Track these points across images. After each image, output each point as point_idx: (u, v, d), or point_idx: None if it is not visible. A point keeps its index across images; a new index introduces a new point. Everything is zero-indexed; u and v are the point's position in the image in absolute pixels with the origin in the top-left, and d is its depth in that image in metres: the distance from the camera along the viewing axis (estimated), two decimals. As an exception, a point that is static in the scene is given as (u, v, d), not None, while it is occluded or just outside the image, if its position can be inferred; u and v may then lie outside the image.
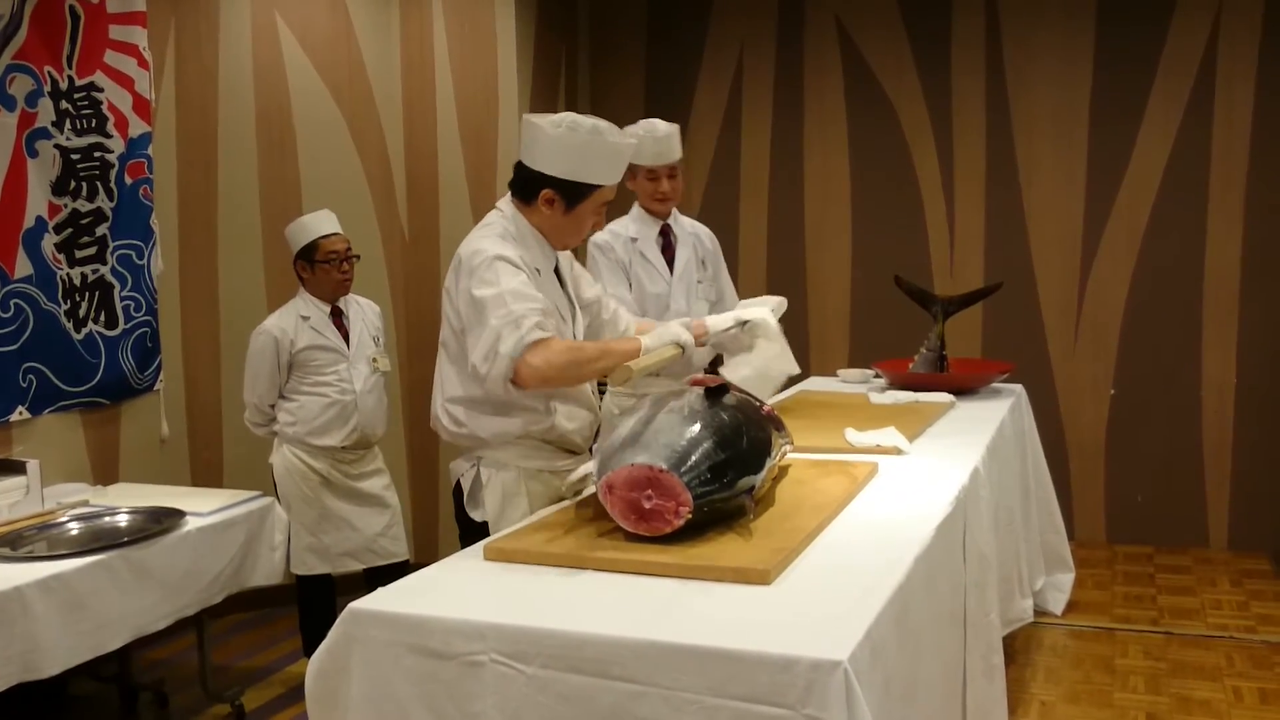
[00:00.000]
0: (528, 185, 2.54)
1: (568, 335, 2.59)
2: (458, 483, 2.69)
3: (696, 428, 2.21)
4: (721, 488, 2.13)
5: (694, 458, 2.13)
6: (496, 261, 2.43)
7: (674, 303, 3.72)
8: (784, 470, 2.68)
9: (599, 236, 3.66)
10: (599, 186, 2.54)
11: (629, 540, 2.14)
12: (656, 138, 3.63)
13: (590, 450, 2.68)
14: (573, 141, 2.48)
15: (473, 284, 2.42)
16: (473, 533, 2.58)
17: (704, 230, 4.00)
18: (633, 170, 3.63)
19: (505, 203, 2.61)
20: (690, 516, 2.09)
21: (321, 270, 3.97)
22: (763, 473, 2.30)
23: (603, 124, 2.52)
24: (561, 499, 2.58)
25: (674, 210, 3.85)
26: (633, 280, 3.71)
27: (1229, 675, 3.91)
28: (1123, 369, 5.46)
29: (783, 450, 2.54)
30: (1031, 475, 4.03)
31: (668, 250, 3.79)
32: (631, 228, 3.79)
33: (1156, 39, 5.29)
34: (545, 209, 2.53)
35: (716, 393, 2.40)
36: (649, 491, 2.10)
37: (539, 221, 2.56)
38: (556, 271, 2.66)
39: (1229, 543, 5.35)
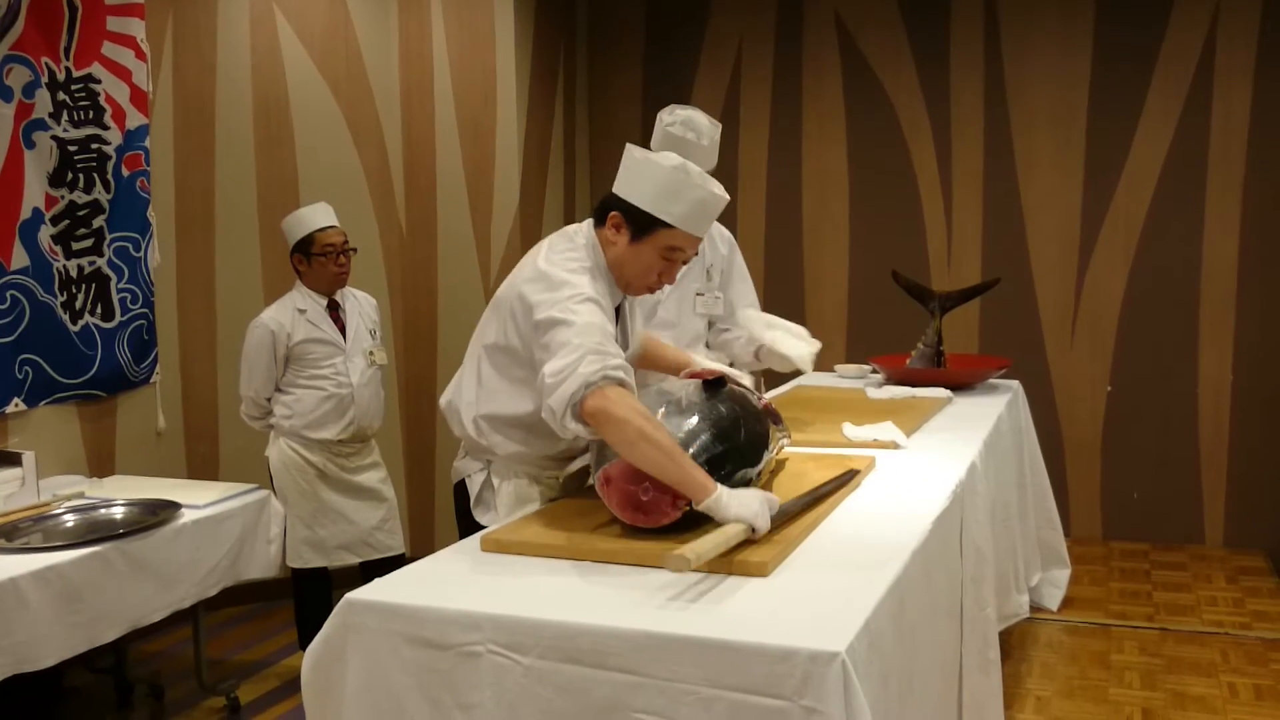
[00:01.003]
0: (602, 207, 2.43)
1: None
2: (462, 483, 2.61)
3: (694, 420, 2.21)
4: (718, 480, 2.13)
5: (691, 450, 2.14)
6: (590, 302, 2.27)
7: (663, 311, 3.32)
8: (781, 464, 2.68)
9: None
10: (669, 226, 2.34)
11: (626, 532, 2.13)
12: (700, 145, 3.13)
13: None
14: (654, 171, 2.35)
15: (557, 310, 2.25)
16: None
17: (721, 232, 3.50)
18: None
19: (587, 227, 2.47)
20: (688, 509, 2.09)
21: (318, 263, 3.97)
22: (760, 465, 2.30)
23: (696, 169, 2.37)
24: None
25: None
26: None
27: (1224, 671, 3.91)
28: (1119, 366, 5.47)
29: (780, 444, 2.54)
30: (1028, 471, 4.03)
31: None
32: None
33: (1155, 35, 5.29)
34: (611, 234, 2.38)
35: (714, 385, 2.40)
36: (646, 484, 2.10)
37: (606, 251, 2.41)
38: (618, 313, 2.52)
39: (1225, 540, 5.36)
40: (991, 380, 4.20)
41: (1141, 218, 5.39)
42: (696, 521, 2.13)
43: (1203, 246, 5.31)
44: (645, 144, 3.12)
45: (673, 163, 2.35)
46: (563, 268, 2.34)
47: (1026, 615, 3.76)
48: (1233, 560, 5.16)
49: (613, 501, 2.15)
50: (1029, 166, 5.54)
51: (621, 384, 2.16)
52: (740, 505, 2.05)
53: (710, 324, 3.49)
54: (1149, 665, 3.98)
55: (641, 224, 2.36)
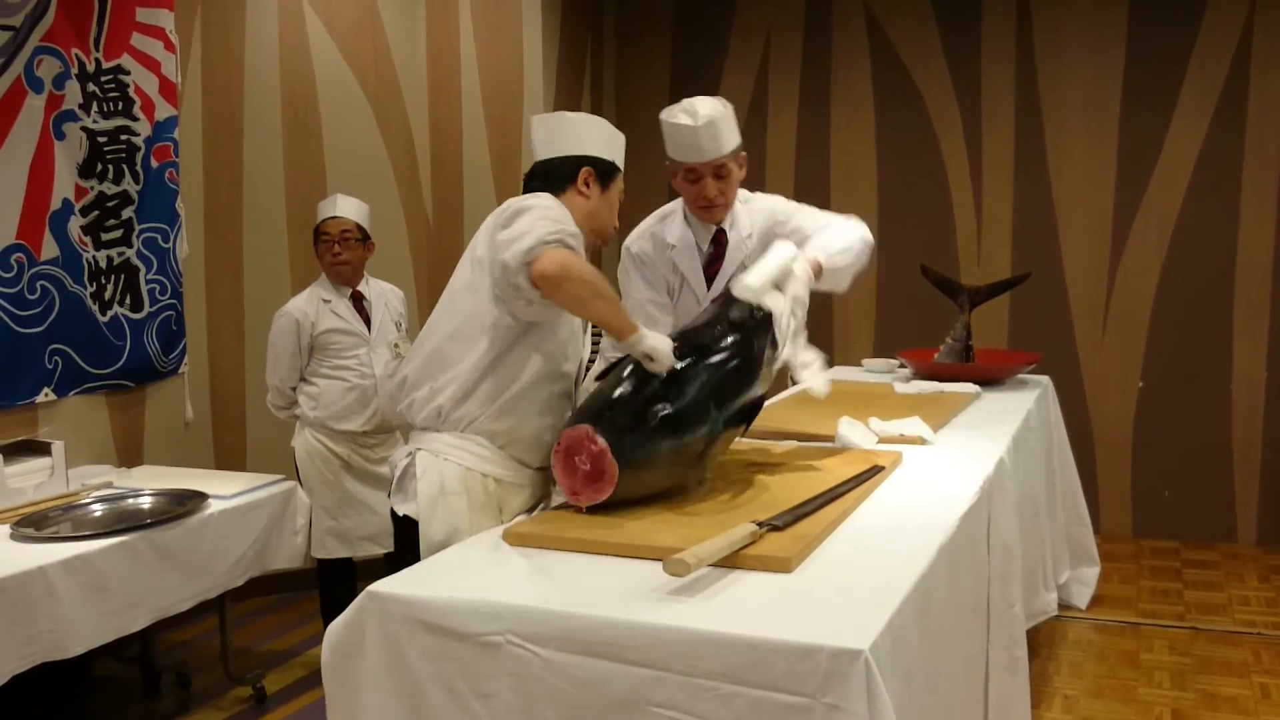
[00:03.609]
0: (559, 173, 2.47)
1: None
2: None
3: (624, 385, 2.29)
4: (653, 432, 2.21)
5: (606, 411, 2.23)
6: (559, 208, 2.35)
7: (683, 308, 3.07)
8: (804, 458, 2.67)
9: (633, 244, 3.12)
10: (620, 170, 2.57)
11: (649, 527, 2.12)
12: (692, 127, 2.85)
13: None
14: (596, 125, 2.54)
15: (530, 201, 2.33)
16: (397, 529, 2.39)
17: (765, 204, 3.10)
18: (671, 166, 3.00)
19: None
20: (613, 462, 2.14)
21: (319, 252, 4.00)
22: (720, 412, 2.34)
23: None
24: (499, 512, 2.39)
25: (733, 212, 3.05)
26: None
27: (1256, 672, 3.86)
28: (1151, 362, 5.41)
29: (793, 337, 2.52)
30: (1057, 468, 3.99)
31: (714, 261, 3.05)
32: (671, 231, 3.06)
33: (1189, 30, 5.22)
34: (583, 190, 2.48)
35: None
36: (580, 456, 2.16)
37: (577, 207, 2.44)
38: None
39: (1257, 539, 5.29)
40: (1021, 376, 4.16)
41: (1175, 213, 5.32)
42: (704, 507, 2.13)
43: (1237, 242, 5.24)
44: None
45: (601, 118, 2.57)
46: (536, 196, 2.40)
47: (1055, 613, 3.73)
48: (1265, 559, 5.09)
49: (566, 487, 2.21)
50: (1060, 160, 5.49)
51: (571, 249, 2.25)
52: (654, 338, 2.29)
53: None
54: (1179, 665, 3.93)
55: (606, 173, 2.53)
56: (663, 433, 2.22)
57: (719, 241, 3.05)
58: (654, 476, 2.25)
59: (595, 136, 2.52)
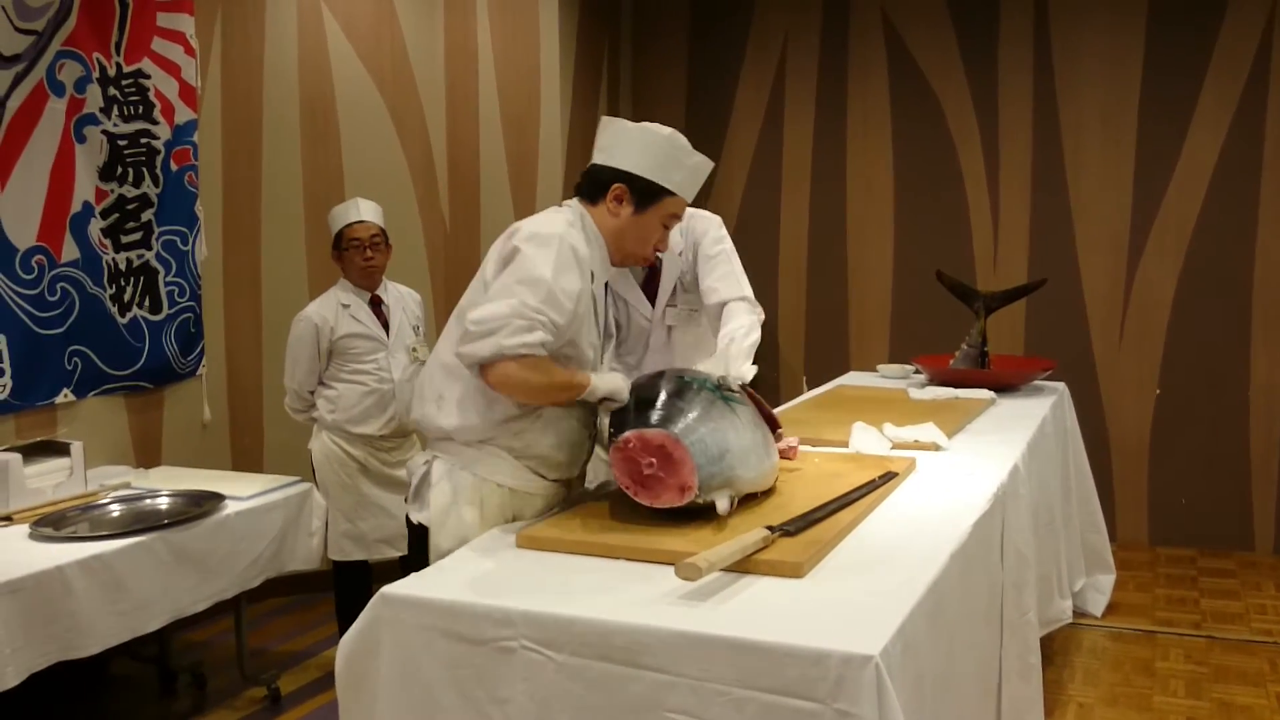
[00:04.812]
0: (597, 182, 2.40)
1: (586, 365, 2.39)
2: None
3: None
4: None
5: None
6: (566, 247, 2.25)
7: (654, 336, 3.25)
8: (819, 463, 2.67)
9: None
10: (671, 194, 2.41)
11: (661, 531, 2.13)
12: None
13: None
14: (649, 140, 2.40)
15: (530, 248, 2.23)
16: (412, 535, 2.38)
17: (701, 225, 3.19)
18: None
19: (572, 203, 2.45)
20: (697, 499, 2.14)
21: (346, 257, 4.01)
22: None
23: (680, 136, 2.42)
24: (512, 522, 2.36)
25: None
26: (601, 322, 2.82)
27: (1272, 681, 3.84)
28: (1168, 368, 5.38)
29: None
30: (1073, 474, 3.98)
31: (651, 282, 3.20)
32: (610, 270, 3.11)
33: (1208, 39, 5.20)
34: (613, 207, 2.38)
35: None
36: (651, 459, 2.13)
37: (604, 224, 2.40)
38: (606, 288, 2.52)
39: (1275, 547, 5.26)
40: (1036, 382, 4.15)
41: (1193, 220, 5.30)
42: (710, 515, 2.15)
43: (1255, 250, 5.22)
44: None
45: (666, 132, 2.41)
46: (548, 220, 2.35)
47: (1069, 621, 3.71)
48: (1283, 568, 5.07)
49: (617, 468, 2.18)
50: (1078, 168, 5.47)
51: (532, 358, 2.19)
52: (606, 382, 2.32)
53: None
54: (1195, 674, 3.91)
55: (646, 194, 2.39)
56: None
57: (653, 266, 3.15)
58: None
59: (644, 153, 2.38)
